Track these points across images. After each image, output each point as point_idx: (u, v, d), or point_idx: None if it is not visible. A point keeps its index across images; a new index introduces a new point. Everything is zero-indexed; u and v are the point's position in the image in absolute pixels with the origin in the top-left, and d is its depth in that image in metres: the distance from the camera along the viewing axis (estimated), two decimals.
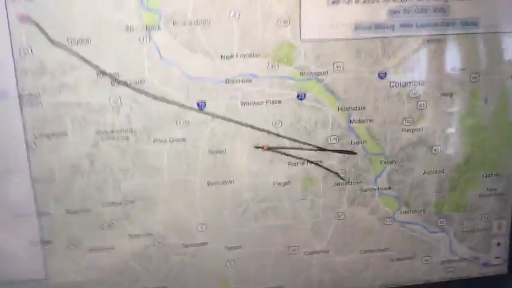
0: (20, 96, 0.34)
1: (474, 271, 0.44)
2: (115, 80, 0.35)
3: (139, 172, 0.37)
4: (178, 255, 0.39)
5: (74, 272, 0.38)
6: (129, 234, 0.38)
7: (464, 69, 0.39)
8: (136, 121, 0.36)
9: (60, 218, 0.37)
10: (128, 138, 0.36)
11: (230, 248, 0.40)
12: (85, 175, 0.37)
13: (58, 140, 0.36)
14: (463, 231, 0.43)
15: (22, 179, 0.36)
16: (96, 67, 0.35)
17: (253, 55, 0.36)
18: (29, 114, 0.35)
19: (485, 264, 0.44)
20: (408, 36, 0.38)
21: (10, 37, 0.33)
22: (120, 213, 0.38)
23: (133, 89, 0.35)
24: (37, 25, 0.33)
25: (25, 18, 0.33)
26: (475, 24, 0.38)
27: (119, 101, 0.36)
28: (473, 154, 0.41)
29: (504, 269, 0.45)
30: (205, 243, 0.40)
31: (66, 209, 0.37)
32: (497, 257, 0.44)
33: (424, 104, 0.39)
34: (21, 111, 0.35)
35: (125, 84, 0.35)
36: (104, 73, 0.35)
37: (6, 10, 0.33)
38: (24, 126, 0.35)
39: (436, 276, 0.44)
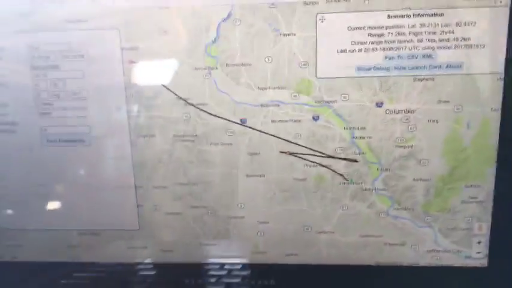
0: (128, 111, 0.55)
1: (458, 261, 0.56)
2: (187, 102, 0.54)
3: (200, 164, 0.56)
4: (224, 223, 0.58)
5: (156, 227, 0.59)
6: (192, 205, 0.58)
7: (448, 101, 0.50)
8: (199, 130, 0.55)
9: (149, 191, 0.58)
10: (193, 141, 0.55)
11: (261, 223, 0.58)
12: (166, 164, 0.57)
13: (149, 139, 0.56)
14: (447, 229, 0.55)
15: (127, 163, 0.57)
16: (175, 94, 0.54)
17: (280, 87, 0.52)
18: (133, 122, 0.55)
19: (468, 257, 0.56)
20: (401, 76, 0.50)
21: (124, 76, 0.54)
22: (187, 191, 0.57)
23: (198, 108, 0.54)
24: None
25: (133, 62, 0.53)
26: (458, 66, 0.49)
27: (189, 115, 0.54)
28: (457, 168, 0.52)
29: (484, 263, 0.56)
30: (242, 217, 0.58)
31: (153, 185, 0.58)
32: (478, 252, 0.56)
33: (414, 127, 0.52)
34: (128, 119, 0.55)
35: (193, 105, 0.54)
36: (180, 98, 0.54)
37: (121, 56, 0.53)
38: (129, 128, 0.56)
39: (423, 262, 0.57)
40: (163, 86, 0.53)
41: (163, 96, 0.54)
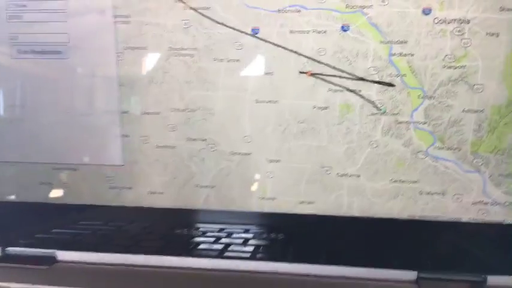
0: (114, 16, 0.46)
1: (509, 217, 0.47)
2: (186, 4, 0.45)
3: (200, 85, 0.47)
4: (226, 161, 0.49)
5: (144, 163, 0.50)
6: (188, 137, 0.49)
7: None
8: (200, 41, 0.46)
9: (136, 117, 0.49)
10: (193, 55, 0.46)
11: (270, 161, 0.48)
12: (158, 83, 0.47)
13: (139, 53, 0.47)
14: (499, 175, 0.45)
15: (111, 82, 0.48)
16: None
17: None
18: (120, 30, 0.46)
19: None
20: None
21: None
22: (183, 119, 0.48)
23: (200, 13, 0.45)
24: None
25: None
26: None
27: (188, 22, 0.45)
28: None
29: None
30: (249, 154, 0.48)
31: (141, 111, 0.49)
32: None
33: (468, 42, 0.42)
34: (114, 26, 0.46)
35: (193, 9, 0.45)
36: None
37: None
38: (116, 38, 0.47)
39: (467, 217, 0.47)
40: None
41: None
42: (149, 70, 0.47)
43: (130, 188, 0.51)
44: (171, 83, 0.47)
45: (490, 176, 0.46)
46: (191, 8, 0.44)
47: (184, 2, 0.44)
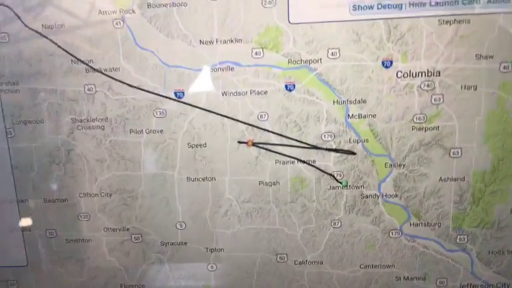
0: None
1: None
2: (89, 66, 0.36)
3: (116, 164, 0.39)
4: (156, 253, 0.40)
5: (53, 262, 0.41)
6: (106, 227, 0.40)
7: (492, 56, 0.35)
8: (112, 110, 0.37)
9: (38, 206, 0.40)
10: (103, 127, 0.38)
11: (211, 250, 0.40)
12: (62, 164, 0.39)
13: (35, 128, 0.38)
14: (489, 252, 0.39)
15: (3, 165, 0.39)
16: (70, 54, 0.36)
17: (235, 40, 0.35)
18: (6, 100, 0.38)
19: None
20: (420, 17, 0.34)
21: None
22: (97, 206, 0.40)
23: (108, 76, 0.36)
24: (12, 10, 0.36)
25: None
26: (506, 0, 0.34)
27: (93, 88, 0.37)
28: (504, 160, 0.37)
29: None
30: (184, 243, 0.40)
31: (44, 198, 0.40)
32: None
33: (440, 97, 0.36)
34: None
35: (99, 71, 0.36)
36: (79, 60, 0.36)
37: None
38: (2, 112, 0.38)
39: None
40: (51, 41, 0.36)
41: (51, 60, 0.36)
42: (48, 148, 0.38)
43: None
44: (77, 163, 0.38)
45: (478, 254, 0.39)
46: (95, 70, 0.36)
47: (86, 63, 0.36)
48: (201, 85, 0.36)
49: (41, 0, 0.35)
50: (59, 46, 0.36)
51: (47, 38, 0.36)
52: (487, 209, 0.38)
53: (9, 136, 0.38)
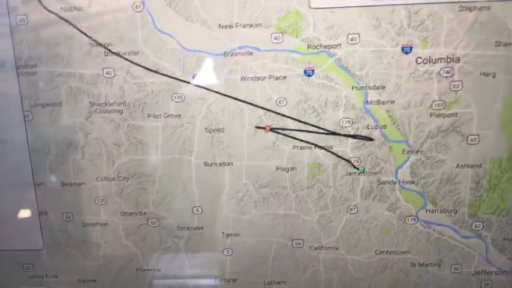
0: (16, 63, 0.38)
1: None
2: (108, 50, 0.37)
3: (133, 148, 0.39)
4: (173, 238, 0.41)
5: (69, 245, 0.42)
6: (124, 212, 0.41)
7: (511, 43, 0.35)
8: (130, 94, 0.38)
9: (55, 190, 0.40)
10: (121, 111, 0.38)
11: (228, 235, 0.41)
12: (80, 147, 0.39)
13: (53, 110, 0.39)
14: (504, 239, 0.39)
15: (21, 147, 0.39)
16: (89, 37, 0.37)
17: (254, 25, 0.36)
18: (25, 83, 0.38)
19: None
20: (441, 3, 0.35)
21: (7, 4, 0.36)
22: (115, 190, 0.40)
23: (126, 59, 0.37)
24: None
25: None
26: None
27: (112, 71, 0.37)
28: None
29: None
30: (200, 228, 0.41)
31: (61, 182, 0.40)
32: None
33: (458, 84, 0.36)
34: (17, 77, 0.38)
35: (118, 55, 0.37)
36: (97, 43, 0.37)
37: None
38: (21, 93, 0.38)
39: None
40: (70, 24, 0.36)
41: (70, 42, 0.37)
42: (66, 131, 0.39)
43: (54, 277, 0.43)
44: (95, 147, 0.39)
45: (493, 240, 0.39)
46: (114, 53, 0.37)
47: (105, 47, 0.36)
48: (220, 69, 0.37)
49: None
50: (78, 29, 0.36)
51: (65, 20, 0.36)
52: (503, 195, 0.38)
53: (27, 119, 0.39)
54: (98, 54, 0.37)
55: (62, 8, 0.36)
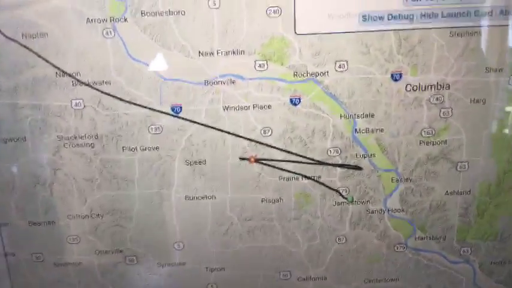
0: None
1: None
2: (77, 80, 0.34)
3: (107, 184, 0.36)
4: (153, 275, 0.39)
5: (41, 287, 0.39)
6: (97, 250, 0.38)
7: (501, 69, 0.34)
8: (102, 127, 0.35)
9: (22, 229, 0.37)
10: (92, 145, 0.35)
11: (212, 270, 0.39)
12: (47, 185, 0.36)
13: (17, 146, 0.35)
14: (491, 263, 0.39)
15: None
16: (55, 66, 0.33)
17: (237, 52, 0.34)
18: None
19: None
20: (431, 29, 0.33)
21: None
22: (88, 227, 0.38)
23: (97, 90, 0.34)
24: None
25: None
26: None
27: (81, 103, 0.34)
28: (509, 173, 0.37)
29: None
30: (182, 263, 0.39)
31: (28, 221, 0.37)
32: None
33: (448, 111, 0.35)
34: None
35: (88, 85, 0.34)
36: (65, 73, 0.34)
37: None
38: None
39: None
40: (35, 53, 0.33)
41: (34, 71, 0.33)
42: (31, 168, 0.36)
43: None
44: (65, 183, 0.36)
45: (481, 265, 0.39)
46: (83, 83, 0.34)
47: (72, 76, 0.33)
48: (200, 99, 0.34)
49: (19, 5, 0.32)
50: (42, 57, 0.33)
51: (27, 48, 0.33)
52: (491, 221, 0.38)
53: None
54: (65, 85, 0.34)
55: (23, 34, 0.33)
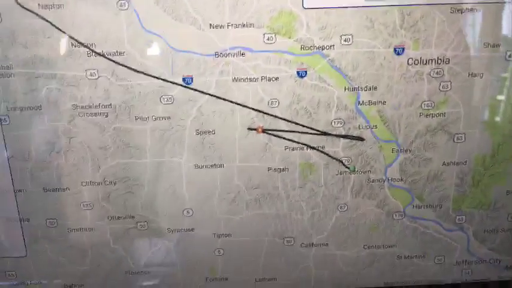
0: None
1: (494, 274, 0.43)
2: (91, 50, 0.35)
3: (121, 151, 0.38)
4: (163, 240, 0.41)
5: (54, 252, 0.41)
6: (110, 216, 0.40)
7: (499, 45, 0.36)
8: (116, 97, 0.36)
9: (37, 195, 0.39)
10: (106, 114, 0.37)
11: (219, 236, 0.41)
12: (63, 152, 0.38)
13: (32, 115, 0.37)
14: (484, 231, 0.41)
15: None
16: (70, 37, 0.34)
17: (246, 25, 0.35)
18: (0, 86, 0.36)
19: (508, 267, 0.43)
20: (433, 5, 0.35)
21: None
22: (102, 194, 0.39)
23: (112, 60, 0.35)
24: None
25: None
26: None
27: (96, 73, 0.36)
28: (504, 145, 0.39)
29: None
30: (191, 229, 0.41)
31: (43, 187, 0.39)
32: None
33: (448, 85, 0.37)
34: None
35: (103, 55, 0.35)
36: (79, 43, 0.35)
37: None
38: None
39: (450, 278, 0.43)
40: (48, 21, 0.34)
41: (50, 42, 0.35)
42: (47, 136, 0.37)
43: (39, 283, 0.41)
44: (79, 151, 0.37)
45: (474, 233, 0.42)
46: (97, 54, 0.35)
47: (87, 46, 0.35)
48: (211, 71, 0.36)
49: None
50: (58, 28, 0.34)
51: (44, 18, 0.34)
52: (485, 191, 0.40)
53: (3, 123, 0.36)
54: (80, 55, 0.35)
55: (39, 5, 0.33)
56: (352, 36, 0.35)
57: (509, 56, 0.36)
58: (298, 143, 0.38)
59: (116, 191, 0.39)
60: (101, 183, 0.39)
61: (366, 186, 0.40)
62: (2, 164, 0.37)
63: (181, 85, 0.36)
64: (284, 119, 0.37)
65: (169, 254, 0.41)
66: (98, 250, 0.41)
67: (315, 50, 0.36)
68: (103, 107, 0.36)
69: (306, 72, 0.36)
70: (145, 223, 0.40)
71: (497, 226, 0.41)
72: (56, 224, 0.40)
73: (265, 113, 0.37)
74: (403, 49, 0.36)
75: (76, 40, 0.34)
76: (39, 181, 0.38)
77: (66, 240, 0.40)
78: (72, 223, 0.40)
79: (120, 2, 0.34)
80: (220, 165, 0.39)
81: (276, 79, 0.36)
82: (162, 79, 0.36)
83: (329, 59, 0.36)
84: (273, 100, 0.37)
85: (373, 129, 0.38)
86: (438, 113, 0.38)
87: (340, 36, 0.35)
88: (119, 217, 0.40)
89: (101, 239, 0.40)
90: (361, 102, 0.37)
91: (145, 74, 0.36)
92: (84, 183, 0.38)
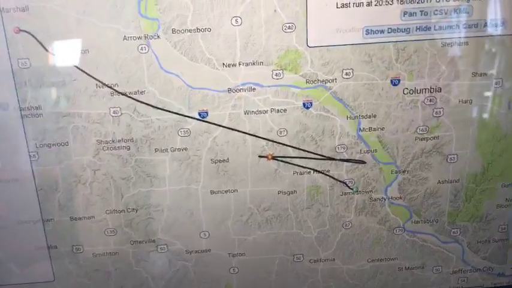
0: (20, 108, 0.38)
1: (488, 281, 0.47)
2: (114, 90, 0.38)
3: (141, 181, 0.40)
4: (182, 261, 0.43)
5: (80, 275, 0.43)
6: (132, 240, 0.42)
7: (485, 74, 0.39)
8: (137, 131, 0.39)
9: (64, 224, 0.41)
10: (128, 148, 0.39)
11: (233, 255, 0.44)
12: (88, 183, 0.40)
13: (60, 150, 0.39)
14: (478, 242, 0.45)
15: (28, 187, 0.40)
16: (95, 78, 0.37)
17: (256, 63, 0.38)
18: (29, 125, 0.38)
19: (500, 275, 0.46)
20: (425, 40, 0.38)
21: (8, 49, 0.36)
22: (124, 220, 0.42)
23: (133, 99, 0.38)
24: (34, 36, 0.36)
25: (21, 30, 0.36)
26: (501, 25, 0.38)
27: (119, 110, 0.38)
28: (493, 163, 0.42)
29: None
30: (208, 250, 0.43)
31: (69, 216, 0.41)
32: None
33: (440, 111, 0.40)
34: (21, 121, 0.38)
35: (124, 94, 0.38)
36: (103, 84, 0.37)
37: (2, 21, 0.35)
38: (25, 135, 0.38)
39: (447, 286, 0.46)
40: (76, 67, 0.37)
41: (76, 84, 0.37)
42: (73, 169, 0.39)
43: None
44: (103, 182, 0.40)
45: (468, 244, 0.45)
46: (120, 93, 0.37)
47: (111, 87, 0.37)
48: (224, 105, 0.38)
49: (64, 27, 0.36)
50: (84, 71, 0.37)
51: (72, 65, 0.36)
52: (477, 205, 0.43)
53: (33, 159, 0.39)
54: (104, 95, 0.38)
55: (65, 51, 0.36)
56: (352, 70, 0.38)
57: (496, 84, 0.40)
58: (305, 167, 0.41)
59: (137, 217, 0.41)
60: (124, 211, 0.41)
61: (368, 204, 0.43)
62: (31, 197, 0.40)
63: (197, 119, 0.39)
64: (292, 146, 0.40)
65: (188, 274, 0.44)
66: (121, 272, 0.43)
67: (319, 83, 0.39)
68: (125, 141, 0.39)
69: (311, 103, 0.39)
70: (165, 246, 0.43)
71: (489, 237, 0.45)
72: (82, 250, 0.42)
73: (275, 142, 0.40)
74: (399, 80, 0.39)
75: (100, 81, 0.37)
76: (67, 211, 0.41)
77: (91, 264, 0.43)
78: (97, 248, 0.42)
79: (140, 46, 0.36)
80: (234, 190, 0.41)
81: (284, 110, 0.39)
82: (179, 114, 0.39)
83: (332, 91, 0.39)
84: (282, 129, 0.40)
85: (374, 153, 0.41)
86: (432, 137, 0.41)
87: (342, 71, 0.38)
88: (140, 241, 0.42)
89: (124, 262, 0.43)
90: (362, 129, 0.40)
91: (164, 110, 0.38)
92: (108, 211, 0.41)
